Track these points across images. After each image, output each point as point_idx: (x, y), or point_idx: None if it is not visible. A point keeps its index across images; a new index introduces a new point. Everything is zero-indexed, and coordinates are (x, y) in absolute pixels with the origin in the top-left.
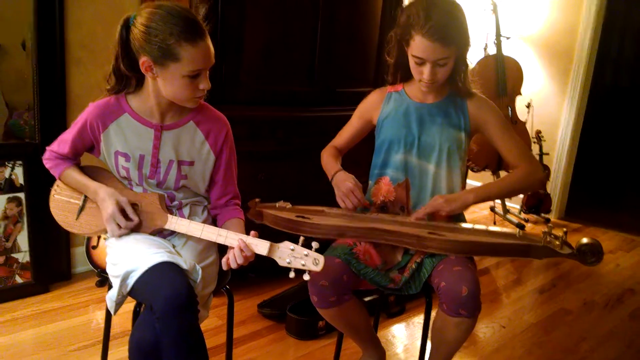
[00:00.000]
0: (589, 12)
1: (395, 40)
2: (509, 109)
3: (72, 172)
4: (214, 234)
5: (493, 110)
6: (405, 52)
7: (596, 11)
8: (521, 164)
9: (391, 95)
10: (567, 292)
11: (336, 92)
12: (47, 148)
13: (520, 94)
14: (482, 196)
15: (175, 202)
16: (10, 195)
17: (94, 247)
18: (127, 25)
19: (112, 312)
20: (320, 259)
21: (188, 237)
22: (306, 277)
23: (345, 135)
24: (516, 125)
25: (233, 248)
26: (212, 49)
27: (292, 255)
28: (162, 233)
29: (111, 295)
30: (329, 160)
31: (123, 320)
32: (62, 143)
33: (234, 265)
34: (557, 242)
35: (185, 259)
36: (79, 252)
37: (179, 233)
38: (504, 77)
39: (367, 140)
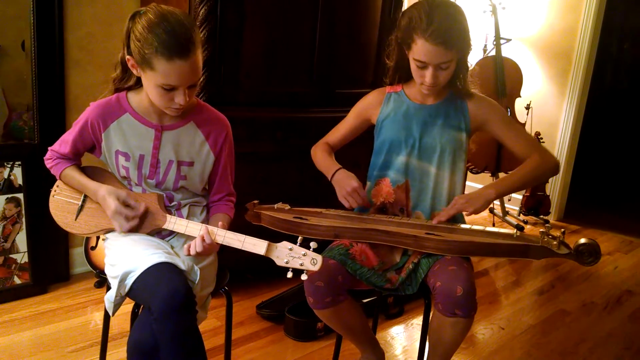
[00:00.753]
0: (588, 13)
1: (395, 43)
2: (508, 110)
3: (71, 171)
4: (212, 234)
5: (494, 107)
6: (405, 55)
7: (595, 13)
8: (532, 153)
9: (390, 96)
10: (566, 294)
11: (335, 93)
12: (49, 148)
13: (520, 95)
14: (503, 190)
15: (174, 203)
16: (9, 195)
17: (93, 248)
18: (133, 19)
19: (110, 313)
20: (319, 258)
21: (187, 238)
22: (304, 277)
23: (339, 132)
24: None
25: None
26: (193, 69)
27: (290, 255)
28: (161, 234)
29: (109, 296)
30: (324, 157)
31: (121, 322)
32: (63, 143)
33: (192, 252)
34: (555, 243)
35: (183, 260)
36: (77, 253)
37: (177, 234)
38: (503, 78)
39: (366, 141)
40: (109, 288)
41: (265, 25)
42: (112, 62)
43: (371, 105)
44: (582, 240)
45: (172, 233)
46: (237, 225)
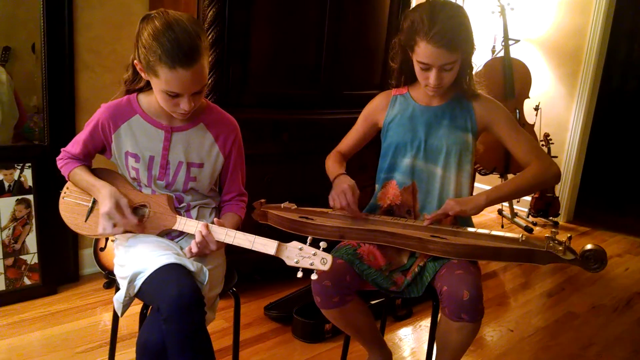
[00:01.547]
0: (598, 15)
1: (399, 46)
2: (517, 111)
3: (80, 171)
4: (222, 234)
5: (500, 109)
6: (409, 57)
7: (604, 14)
8: (533, 160)
9: (396, 98)
10: (575, 296)
11: (342, 95)
12: (62, 149)
13: (529, 96)
14: (494, 197)
15: (184, 204)
16: (19, 197)
17: (102, 249)
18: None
19: (119, 314)
20: (329, 258)
21: None
22: (314, 276)
23: (350, 139)
24: (524, 128)
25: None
26: (196, 77)
27: (300, 255)
28: (170, 235)
29: (118, 297)
30: (333, 165)
31: (130, 322)
32: (75, 144)
33: (194, 249)
34: (560, 248)
35: (192, 261)
36: (86, 254)
37: (187, 235)
38: (511, 79)
39: (373, 145)
40: (118, 289)
41: (273, 27)
42: (122, 65)
43: (377, 109)
44: (589, 246)
45: (181, 234)
46: (245, 225)
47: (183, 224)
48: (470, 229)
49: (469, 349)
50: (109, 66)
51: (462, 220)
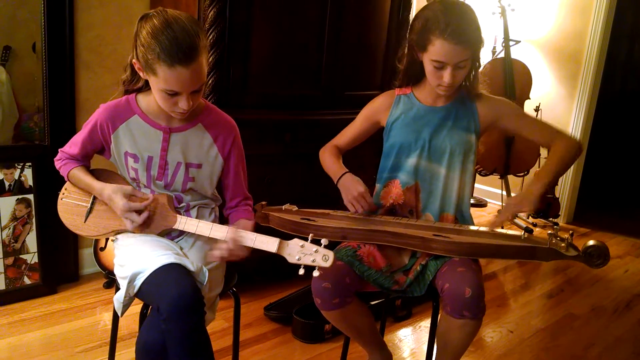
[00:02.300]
0: (598, 16)
1: (405, 46)
2: None
3: (78, 172)
4: (223, 233)
5: (504, 103)
6: (415, 58)
7: (605, 15)
8: (555, 139)
9: (400, 99)
10: (575, 297)
11: (344, 95)
12: (60, 149)
13: (529, 97)
14: (547, 180)
15: (183, 204)
16: (20, 196)
17: (102, 249)
18: (140, 22)
19: (119, 314)
20: (330, 254)
21: (196, 239)
22: (316, 273)
23: (348, 135)
24: None
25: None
26: (195, 76)
27: (301, 252)
28: (170, 235)
29: (118, 297)
30: (331, 160)
31: (130, 322)
32: (73, 144)
33: (223, 254)
34: (563, 245)
35: (192, 261)
36: (86, 253)
37: (187, 235)
38: (512, 80)
39: (373, 143)
40: (118, 289)
41: (273, 27)
42: (122, 65)
43: (381, 108)
44: (591, 242)
45: (181, 234)
46: None
47: (183, 223)
48: (472, 227)
49: (468, 350)
50: (109, 66)
51: (462, 218)
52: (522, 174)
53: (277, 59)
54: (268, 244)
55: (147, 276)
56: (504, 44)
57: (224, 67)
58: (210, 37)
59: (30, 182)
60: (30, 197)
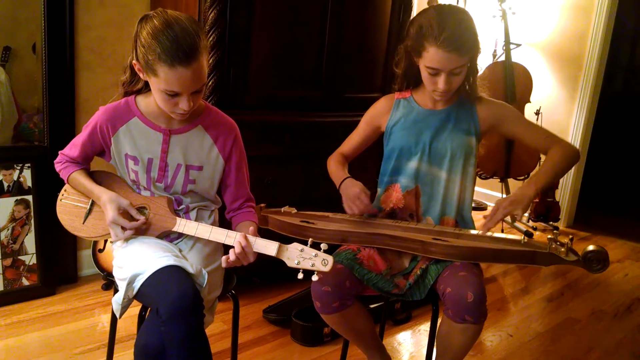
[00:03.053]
0: (599, 19)
1: (404, 52)
2: None
3: (78, 175)
4: (222, 235)
5: (504, 107)
6: (413, 63)
7: (606, 18)
8: (553, 145)
9: (400, 102)
10: (575, 301)
11: (344, 97)
12: (60, 152)
13: (530, 101)
14: (541, 184)
15: (182, 206)
16: (19, 197)
17: (101, 250)
18: (140, 23)
19: (117, 316)
20: (329, 259)
21: (195, 241)
22: (315, 278)
23: (352, 142)
24: None
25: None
26: (195, 76)
27: (300, 256)
28: (169, 237)
29: (117, 299)
30: (336, 167)
31: (128, 324)
32: (73, 147)
33: (232, 258)
34: (563, 249)
35: (191, 263)
36: (85, 255)
37: (186, 237)
38: (512, 83)
39: (375, 146)
40: (116, 290)
41: (274, 29)
42: (123, 65)
43: (380, 113)
44: (591, 247)
45: (180, 236)
46: None
47: (183, 225)
48: (472, 231)
49: (468, 354)
50: (109, 67)
51: (464, 224)
52: (522, 177)
53: (277, 60)
54: (267, 247)
55: (146, 278)
56: (504, 47)
57: (224, 68)
58: (211, 39)
59: (29, 183)
60: (29, 198)
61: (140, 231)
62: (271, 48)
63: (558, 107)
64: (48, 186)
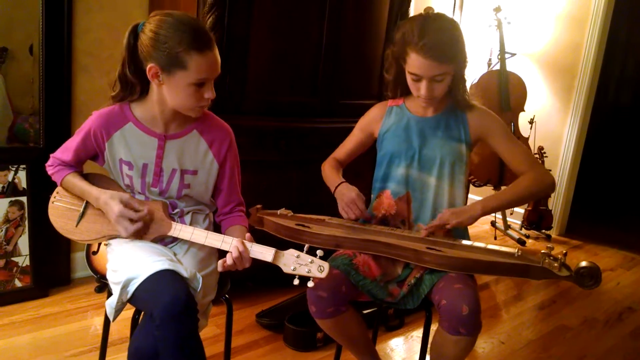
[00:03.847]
0: (593, 30)
1: (392, 57)
2: (512, 124)
3: (72, 178)
4: (218, 241)
5: (494, 119)
6: (403, 69)
7: (600, 29)
8: (528, 170)
9: (392, 109)
10: (567, 309)
11: (340, 104)
12: (51, 155)
13: (524, 110)
14: (490, 207)
15: (177, 210)
16: (13, 198)
17: (94, 253)
18: (135, 32)
19: (111, 319)
20: (325, 265)
21: (189, 245)
22: (310, 284)
23: (346, 147)
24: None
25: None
26: (219, 59)
27: (297, 263)
28: (164, 240)
29: (111, 302)
30: (330, 172)
31: (121, 327)
32: (66, 151)
33: (229, 262)
34: (556, 264)
35: (186, 267)
36: (79, 257)
37: (180, 241)
38: (507, 92)
39: (370, 153)
40: (110, 293)
41: (271, 35)
42: (109, 82)
43: (374, 119)
44: (583, 264)
45: (175, 240)
46: None
47: (178, 230)
48: (466, 242)
49: None
50: (106, 70)
51: (458, 232)
52: None
53: (274, 66)
54: (264, 253)
55: (140, 282)
56: (499, 57)
57: (221, 73)
58: None
59: (23, 184)
60: (24, 199)
61: (136, 235)
62: (268, 54)
63: (552, 116)
64: (43, 188)
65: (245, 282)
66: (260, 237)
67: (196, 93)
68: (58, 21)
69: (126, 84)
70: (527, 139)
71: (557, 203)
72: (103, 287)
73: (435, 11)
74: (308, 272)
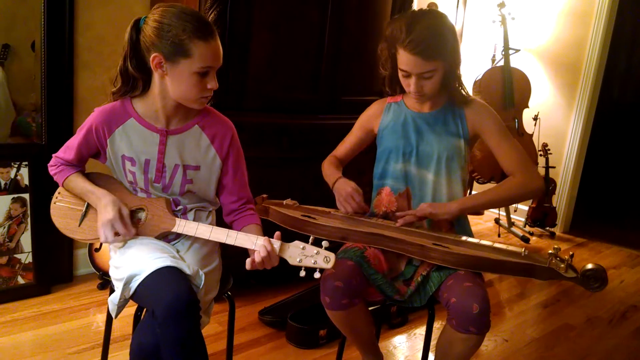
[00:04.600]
0: (598, 26)
1: (385, 53)
2: (516, 121)
3: (76, 178)
4: (223, 235)
5: (491, 115)
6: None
7: (605, 25)
8: (516, 171)
9: (391, 106)
10: (570, 308)
11: (342, 100)
12: (53, 155)
13: (528, 106)
14: (468, 206)
15: (180, 207)
16: (15, 195)
17: (97, 250)
18: (137, 27)
19: (113, 316)
20: (331, 256)
21: (192, 242)
22: (317, 275)
23: (346, 145)
24: (523, 138)
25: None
26: (221, 49)
27: (303, 254)
28: (167, 237)
29: (113, 299)
30: (329, 168)
31: (123, 324)
32: (68, 149)
33: (258, 260)
34: (562, 265)
35: (188, 264)
36: (81, 254)
37: (183, 238)
38: (511, 89)
39: (372, 150)
40: (112, 290)
41: (273, 31)
42: (110, 77)
43: (373, 116)
44: (590, 266)
45: (178, 237)
46: None
47: (182, 226)
48: (473, 240)
49: None
50: (108, 66)
51: (460, 228)
52: None
53: (276, 62)
54: None
55: (142, 279)
56: (503, 53)
57: (223, 69)
58: None
59: (26, 181)
60: (26, 196)
61: (139, 232)
62: (270, 50)
63: (556, 113)
64: (45, 184)
65: (248, 279)
66: (264, 227)
67: (199, 83)
68: (60, 17)
69: (127, 78)
70: (531, 135)
71: (561, 200)
72: (105, 284)
73: (437, 7)
74: (314, 264)
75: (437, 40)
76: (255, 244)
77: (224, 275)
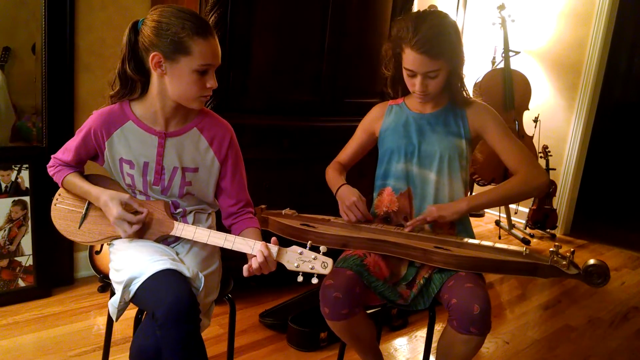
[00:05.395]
0: (598, 27)
1: (390, 54)
2: (516, 123)
3: (73, 178)
4: (221, 239)
5: (492, 115)
6: (401, 65)
7: (605, 26)
8: (521, 169)
9: (392, 108)
10: (572, 309)
11: (343, 102)
12: (52, 156)
13: (528, 108)
14: (476, 204)
15: (179, 210)
16: (16, 198)
17: (97, 253)
18: (135, 29)
19: (114, 319)
20: (329, 262)
21: (192, 245)
22: (314, 280)
23: (349, 150)
24: (523, 140)
25: (251, 255)
26: (219, 48)
27: (300, 259)
28: (166, 240)
29: (113, 302)
30: (333, 175)
31: (124, 327)
32: (66, 151)
33: (255, 266)
34: (564, 262)
35: (188, 267)
36: (82, 256)
37: (182, 240)
38: (511, 90)
39: (374, 153)
40: (112, 293)
41: (274, 33)
42: (108, 80)
43: (375, 119)
44: (592, 262)
45: (177, 240)
46: None
47: (181, 229)
48: (473, 241)
49: None
50: (109, 69)
51: (462, 228)
52: None
53: (277, 64)
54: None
55: (142, 282)
56: (503, 55)
57: (224, 71)
58: None
59: (26, 183)
60: (27, 199)
61: (138, 235)
62: (271, 52)
63: (556, 114)
64: (45, 187)
65: (249, 281)
66: (264, 237)
67: (199, 81)
68: (60, 20)
69: (126, 81)
70: (532, 137)
71: (561, 202)
72: (106, 286)
73: (438, 8)
74: (312, 269)
75: (443, 40)
76: (252, 248)
77: (224, 278)
